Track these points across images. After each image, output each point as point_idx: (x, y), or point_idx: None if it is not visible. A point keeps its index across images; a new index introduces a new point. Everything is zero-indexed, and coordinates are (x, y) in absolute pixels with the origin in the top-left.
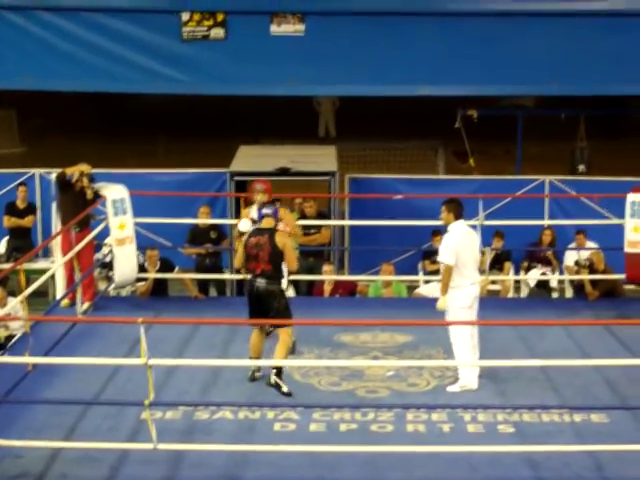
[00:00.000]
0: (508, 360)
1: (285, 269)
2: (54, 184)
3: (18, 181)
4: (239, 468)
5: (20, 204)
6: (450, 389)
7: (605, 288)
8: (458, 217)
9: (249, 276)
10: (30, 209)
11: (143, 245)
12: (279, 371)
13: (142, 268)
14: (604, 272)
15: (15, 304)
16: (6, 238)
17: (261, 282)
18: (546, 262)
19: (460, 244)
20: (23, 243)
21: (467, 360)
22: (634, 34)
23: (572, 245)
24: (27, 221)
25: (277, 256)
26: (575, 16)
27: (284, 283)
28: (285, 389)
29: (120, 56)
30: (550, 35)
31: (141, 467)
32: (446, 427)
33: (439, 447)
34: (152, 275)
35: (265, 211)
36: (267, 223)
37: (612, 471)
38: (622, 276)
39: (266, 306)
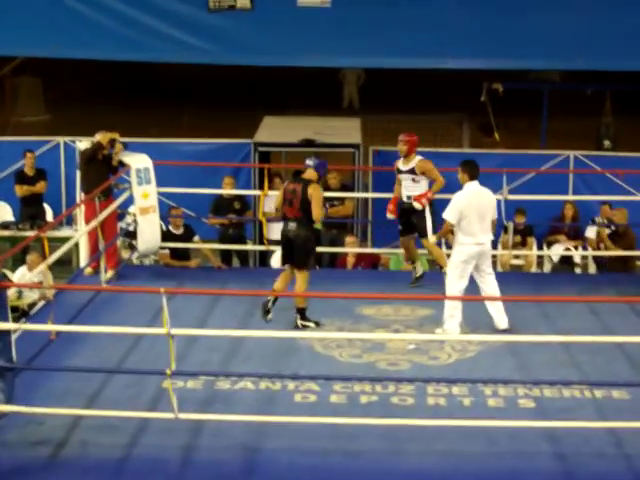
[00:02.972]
0: (530, 335)
1: None
2: (79, 153)
3: (43, 148)
4: (259, 438)
5: (29, 171)
6: (436, 331)
7: (625, 245)
8: (472, 178)
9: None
10: (40, 175)
11: (166, 215)
12: (302, 313)
13: (166, 234)
14: (625, 229)
15: (44, 269)
16: (8, 209)
17: (292, 226)
18: (570, 237)
19: (466, 203)
20: (36, 210)
21: (454, 308)
22: None
23: (596, 218)
24: (39, 187)
25: (306, 205)
26: None
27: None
28: (312, 325)
29: (147, 25)
30: (577, 9)
31: (161, 436)
32: (466, 401)
33: (459, 421)
34: (174, 245)
35: (308, 162)
36: (307, 174)
37: (632, 447)
38: None
39: (293, 247)
